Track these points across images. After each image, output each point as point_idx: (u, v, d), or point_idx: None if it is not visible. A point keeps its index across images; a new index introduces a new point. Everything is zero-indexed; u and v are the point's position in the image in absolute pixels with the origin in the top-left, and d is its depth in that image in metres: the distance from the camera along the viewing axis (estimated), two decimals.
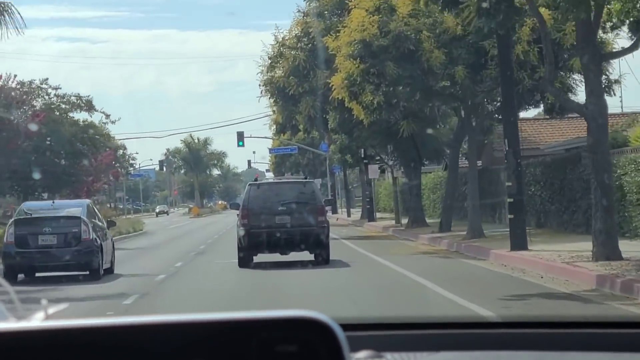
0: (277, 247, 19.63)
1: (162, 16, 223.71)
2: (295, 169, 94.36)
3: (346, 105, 25.37)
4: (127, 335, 1.35)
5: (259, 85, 34.58)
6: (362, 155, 41.50)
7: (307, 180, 21.50)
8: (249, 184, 21.31)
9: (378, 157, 41.13)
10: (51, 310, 1.46)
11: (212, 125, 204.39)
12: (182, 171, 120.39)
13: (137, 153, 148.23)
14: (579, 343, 1.98)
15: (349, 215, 51.57)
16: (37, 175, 31.53)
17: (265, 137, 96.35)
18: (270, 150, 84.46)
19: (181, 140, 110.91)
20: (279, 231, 19.45)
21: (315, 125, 37.66)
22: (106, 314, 11.83)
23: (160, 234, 42.12)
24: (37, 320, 1.42)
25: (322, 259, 19.57)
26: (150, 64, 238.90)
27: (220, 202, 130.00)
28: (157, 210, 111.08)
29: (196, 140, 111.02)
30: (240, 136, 60.21)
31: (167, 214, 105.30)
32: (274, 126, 51.52)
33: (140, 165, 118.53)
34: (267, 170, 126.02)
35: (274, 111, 44.86)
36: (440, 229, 27.63)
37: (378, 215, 45.64)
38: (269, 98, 35.74)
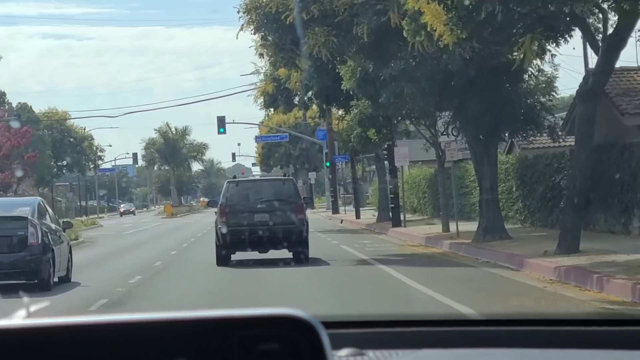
0: (256, 245, 21.14)
1: (148, 13, 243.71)
2: (285, 162, 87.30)
3: (405, 32, 18.29)
4: (109, 333, 1.52)
5: (238, 12, 24.04)
6: (385, 132, 32.97)
7: (286, 177, 23.23)
8: (228, 181, 22.56)
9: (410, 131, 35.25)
10: (33, 308, 1.61)
11: (185, 100, 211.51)
12: (156, 166, 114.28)
13: (110, 145, 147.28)
14: (560, 340, 2.19)
15: (357, 216, 43.88)
16: None
17: (251, 124, 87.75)
18: (257, 138, 78.21)
19: (155, 130, 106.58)
20: (258, 229, 20.92)
21: (316, 93, 32.06)
22: (87, 311, 12.22)
23: (101, 245, 32.98)
24: (18, 319, 1.53)
25: (302, 257, 20.95)
26: (136, 61, 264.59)
27: (202, 199, 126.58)
28: (122, 209, 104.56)
29: (173, 130, 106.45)
30: (222, 122, 55.21)
31: (134, 214, 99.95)
32: (262, 98, 44.71)
33: (117, 159, 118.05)
34: (254, 164, 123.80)
35: (259, 70, 39.99)
36: (561, 249, 17.50)
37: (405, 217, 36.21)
38: (254, 33, 24.65)
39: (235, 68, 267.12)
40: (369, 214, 45.95)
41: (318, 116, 76.72)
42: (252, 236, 20.94)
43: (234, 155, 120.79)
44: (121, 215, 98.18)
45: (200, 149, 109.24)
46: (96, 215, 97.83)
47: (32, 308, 1.63)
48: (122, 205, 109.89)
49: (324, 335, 1.51)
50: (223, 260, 21.22)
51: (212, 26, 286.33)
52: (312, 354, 1.49)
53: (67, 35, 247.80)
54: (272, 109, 46.69)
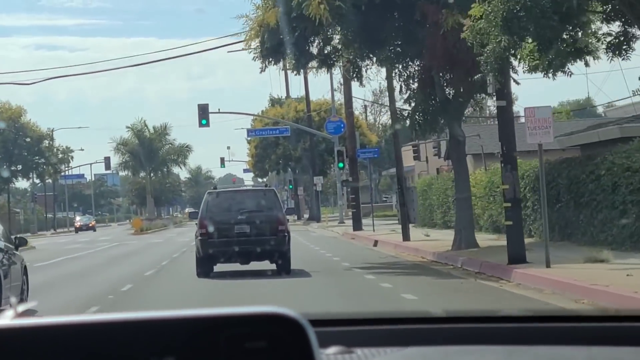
0: (237, 256, 23.26)
1: (141, 24, 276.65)
2: (283, 165, 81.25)
3: None
4: (97, 332, 1.77)
5: None
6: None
7: (267, 188, 25.33)
8: (208, 192, 24.72)
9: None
10: (20, 308, 1.87)
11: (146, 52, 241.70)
12: (125, 172, 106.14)
13: (81, 149, 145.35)
14: (548, 337, 2.51)
15: (406, 237, 33.69)
16: None
17: (242, 114, 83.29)
18: (249, 133, 72.45)
19: (128, 128, 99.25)
20: (238, 240, 23.00)
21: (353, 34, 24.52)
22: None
23: None
24: (7, 319, 1.78)
25: (283, 269, 23.06)
26: (129, 71, 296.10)
27: (188, 210, 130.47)
28: (78, 223, 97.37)
29: (150, 129, 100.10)
30: (204, 112, 50.45)
31: (94, 229, 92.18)
32: (257, 40, 25.61)
33: (90, 164, 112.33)
34: (246, 170, 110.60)
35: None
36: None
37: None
38: None
39: (228, 78, 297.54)
40: (416, 234, 35.73)
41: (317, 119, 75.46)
42: (232, 248, 23.01)
43: (222, 160, 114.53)
44: (77, 232, 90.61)
45: (183, 151, 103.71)
46: (52, 231, 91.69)
47: (20, 308, 1.91)
48: (78, 219, 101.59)
49: (312, 333, 1.75)
50: (203, 272, 23.20)
51: (204, 37, 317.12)
52: (300, 352, 1.73)
53: (59, 47, 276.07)
54: (272, 63, 26.21)
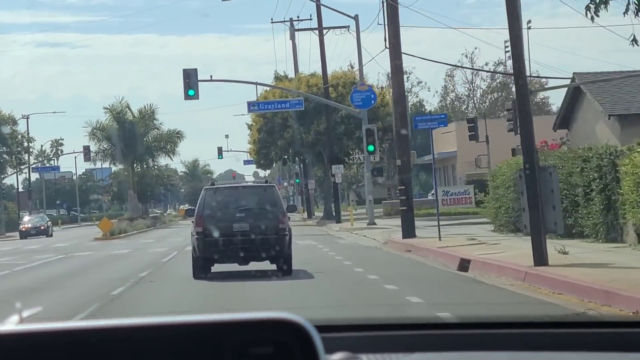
0: (235, 256, 24.74)
1: (142, 21, 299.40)
2: (293, 153, 76.83)
3: None
4: (102, 338, 2.04)
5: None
6: None
7: (267, 184, 26.91)
8: (205, 188, 26.11)
9: None
10: (25, 313, 2.17)
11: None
12: (101, 164, 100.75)
13: (61, 140, 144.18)
14: (551, 343, 2.85)
15: (541, 259, 21.09)
16: None
17: (242, 82, 61.13)
18: (250, 106, 59.07)
19: (106, 109, 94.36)
20: (236, 239, 24.46)
21: None
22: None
23: None
24: (12, 324, 2.10)
25: (285, 270, 24.46)
26: (129, 68, 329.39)
27: (182, 207, 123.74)
28: (25, 225, 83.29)
29: (135, 112, 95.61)
30: (191, 80, 48.71)
31: (48, 233, 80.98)
32: None
33: (67, 155, 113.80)
34: (247, 162, 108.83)
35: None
36: None
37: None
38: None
39: (229, 75, 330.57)
40: (522, 246, 25.86)
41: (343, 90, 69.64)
42: (230, 247, 24.52)
43: (220, 150, 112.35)
44: (23, 237, 78.77)
45: (172, 138, 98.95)
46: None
47: (25, 313, 2.25)
48: (25, 220, 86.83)
49: (318, 339, 2.02)
50: (199, 273, 24.61)
51: (205, 34, 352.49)
52: (305, 358, 2.00)
53: (60, 44, 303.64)
54: None
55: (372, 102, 55.47)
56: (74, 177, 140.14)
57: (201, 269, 24.85)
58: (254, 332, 2.07)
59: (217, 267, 25.46)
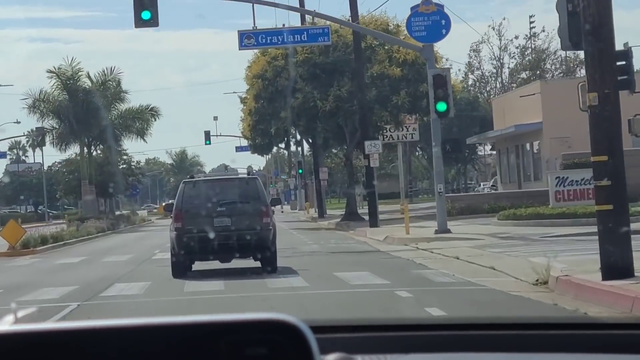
0: (216, 253, 28.12)
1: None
2: (306, 125, 67.09)
3: None
4: (96, 338, 2.49)
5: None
6: None
7: (250, 176, 30.39)
8: (184, 182, 29.45)
9: None
10: (20, 313, 2.67)
11: None
12: (49, 140, 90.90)
13: (17, 122, 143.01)
14: (546, 344, 3.42)
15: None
16: None
17: None
18: (244, 40, 44.85)
19: (50, 72, 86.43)
20: (217, 235, 27.67)
21: None
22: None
23: None
24: (6, 324, 2.58)
25: (269, 266, 27.66)
26: (123, 64, 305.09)
27: (166, 203, 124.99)
28: None
29: (92, 77, 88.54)
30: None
31: None
32: None
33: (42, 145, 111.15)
34: (241, 148, 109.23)
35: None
36: None
37: None
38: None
39: (223, 70, 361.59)
40: None
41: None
42: (210, 243, 27.72)
43: (207, 134, 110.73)
44: None
45: (143, 114, 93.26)
46: None
47: (20, 314, 2.95)
48: None
49: (312, 340, 2.49)
50: (179, 271, 27.80)
51: (199, 29, 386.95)
52: (300, 358, 2.48)
53: (54, 39, 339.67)
54: None
55: (444, 31, 43.96)
56: (43, 169, 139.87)
57: (180, 267, 28.09)
58: (249, 332, 2.50)
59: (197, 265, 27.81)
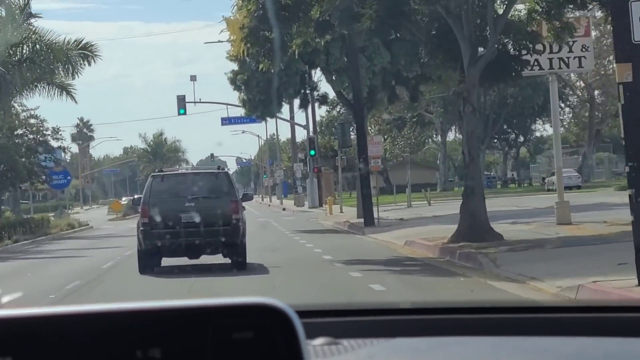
0: (184, 249, 28.44)
1: (128, 8, 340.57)
2: (328, 67, 47.77)
3: None
4: (82, 322, 2.51)
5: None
6: None
7: (220, 170, 30.56)
8: (152, 175, 29.89)
9: None
10: (5, 299, 2.98)
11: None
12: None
13: None
14: (536, 327, 3.50)
15: None
16: None
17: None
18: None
19: None
20: (185, 231, 28.08)
21: None
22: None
23: None
24: None
25: (238, 264, 28.05)
26: (114, 56, 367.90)
27: (133, 197, 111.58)
28: None
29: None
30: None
31: None
32: None
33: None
34: (229, 119, 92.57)
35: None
36: None
37: None
38: None
39: (215, 62, 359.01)
40: None
41: None
42: (178, 239, 28.16)
43: (182, 100, 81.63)
44: None
45: (70, 53, 52.44)
46: None
47: (4, 299, 2.94)
48: None
49: (299, 324, 2.53)
50: (146, 267, 28.27)
51: (191, 21, 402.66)
52: (286, 342, 2.52)
53: (46, 31, 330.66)
54: None
55: None
56: None
57: (147, 263, 28.49)
58: (235, 317, 2.55)
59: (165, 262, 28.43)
